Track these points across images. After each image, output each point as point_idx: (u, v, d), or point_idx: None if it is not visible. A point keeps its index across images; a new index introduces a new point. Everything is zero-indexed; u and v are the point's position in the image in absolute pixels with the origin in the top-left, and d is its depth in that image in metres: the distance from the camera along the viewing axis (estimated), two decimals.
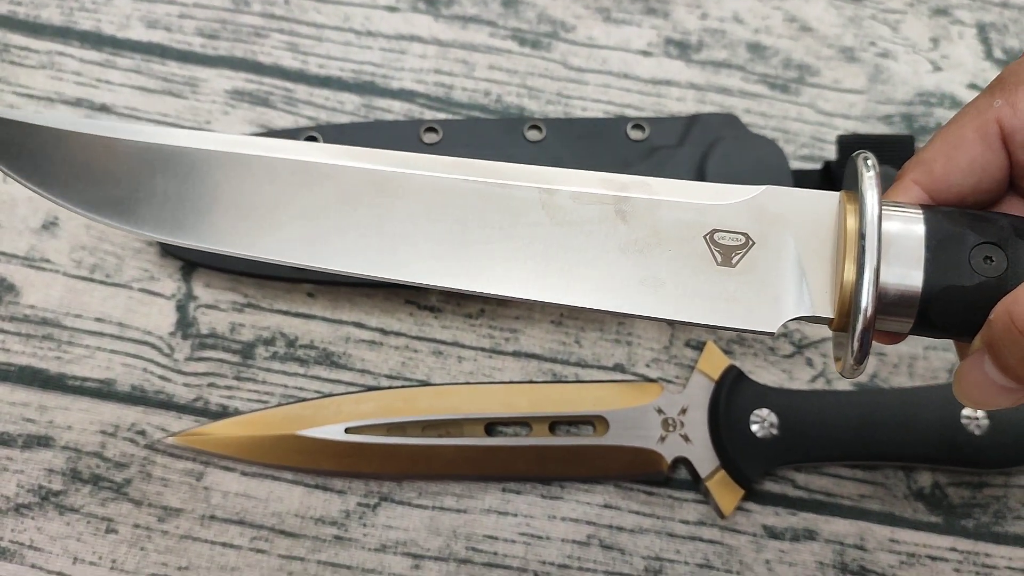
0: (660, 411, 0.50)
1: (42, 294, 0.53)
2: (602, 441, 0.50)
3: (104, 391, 0.52)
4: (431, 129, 0.55)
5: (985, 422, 0.50)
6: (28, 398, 0.51)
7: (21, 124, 0.36)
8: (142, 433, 0.51)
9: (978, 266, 0.32)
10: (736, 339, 0.54)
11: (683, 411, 0.51)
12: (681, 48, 0.61)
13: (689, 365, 0.53)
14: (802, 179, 0.54)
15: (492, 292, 0.34)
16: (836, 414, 0.50)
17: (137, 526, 0.49)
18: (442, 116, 0.58)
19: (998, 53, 0.61)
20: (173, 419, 0.51)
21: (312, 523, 0.50)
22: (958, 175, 0.33)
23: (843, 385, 0.53)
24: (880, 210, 0.32)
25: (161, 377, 0.52)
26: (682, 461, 0.50)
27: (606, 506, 0.50)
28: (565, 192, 0.34)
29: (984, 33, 0.62)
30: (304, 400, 0.51)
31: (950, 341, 0.37)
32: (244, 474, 0.50)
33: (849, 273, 0.32)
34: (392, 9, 0.61)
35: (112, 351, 0.52)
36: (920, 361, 0.54)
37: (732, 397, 0.50)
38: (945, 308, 0.32)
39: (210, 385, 0.52)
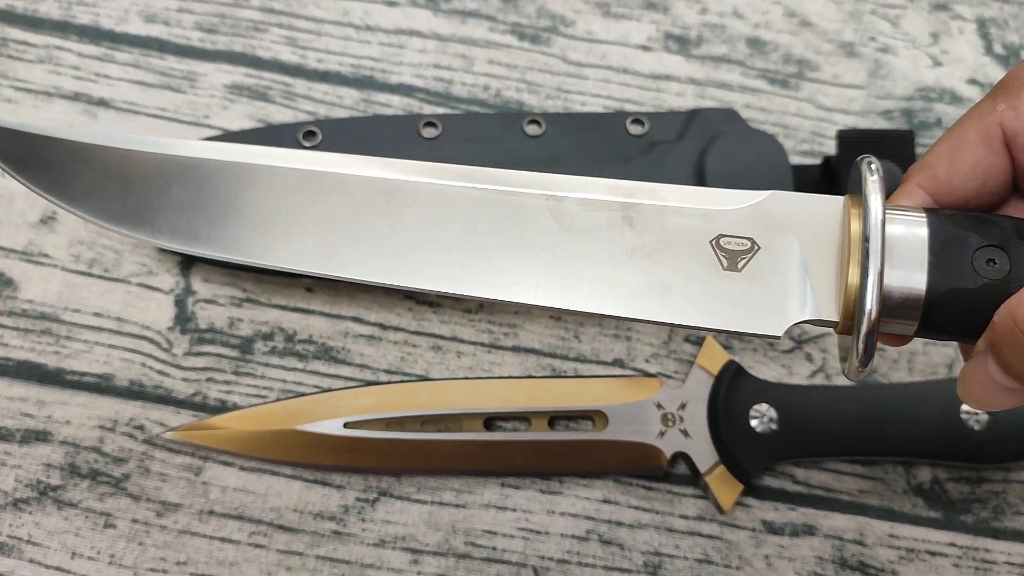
0: (659, 406, 0.50)
1: (40, 289, 0.53)
2: (601, 436, 0.50)
3: (102, 386, 0.51)
4: (430, 124, 0.55)
5: (984, 417, 0.50)
6: (26, 393, 0.51)
7: (40, 137, 0.36)
8: (140, 428, 0.51)
9: (981, 268, 0.32)
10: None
11: (682, 406, 0.51)
12: (681, 43, 0.61)
13: (688, 360, 0.53)
14: (801, 174, 0.54)
15: (502, 298, 0.34)
16: (835, 409, 0.50)
17: (135, 521, 0.49)
18: (441, 111, 0.58)
19: (998, 48, 0.61)
20: (172, 414, 0.51)
21: (311, 518, 0.50)
22: (961, 178, 0.34)
23: (842, 380, 0.53)
24: (884, 214, 0.32)
25: (160, 372, 0.52)
26: (681, 456, 0.50)
27: (605, 501, 0.51)
28: (573, 199, 0.34)
29: (984, 28, 0.62)
30: (303, 395, 0.51)
31: None
32: (243, 469, 0.50)
33: (853, 277, 0.32)
34: (391, 3, 0.61)
35: (110, 346, 0.52)
36: (919, 356, 0.54)
37: (731, 392, 0.50)
38: (949, 310, 0.32)
39: (209, 380, 0.52)
